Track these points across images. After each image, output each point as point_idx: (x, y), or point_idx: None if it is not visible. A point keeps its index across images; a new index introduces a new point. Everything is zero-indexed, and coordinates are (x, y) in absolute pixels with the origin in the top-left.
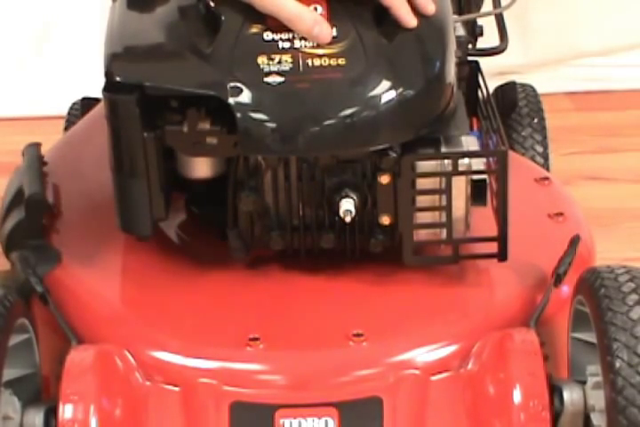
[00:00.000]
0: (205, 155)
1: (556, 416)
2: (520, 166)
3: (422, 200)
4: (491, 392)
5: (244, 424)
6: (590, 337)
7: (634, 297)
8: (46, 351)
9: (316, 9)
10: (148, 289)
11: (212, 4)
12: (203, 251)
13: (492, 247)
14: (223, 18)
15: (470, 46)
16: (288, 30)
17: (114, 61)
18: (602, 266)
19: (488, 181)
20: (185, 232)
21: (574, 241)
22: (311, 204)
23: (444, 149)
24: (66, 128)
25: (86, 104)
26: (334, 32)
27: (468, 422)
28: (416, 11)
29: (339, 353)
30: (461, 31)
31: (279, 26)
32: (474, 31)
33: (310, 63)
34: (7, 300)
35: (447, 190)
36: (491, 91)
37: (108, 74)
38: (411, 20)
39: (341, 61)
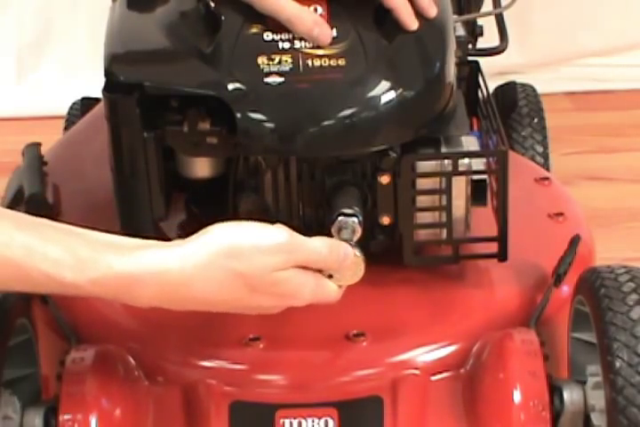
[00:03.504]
0: (205, 155)
1: (556, 416)
2: (520, 166)
3: (422, 200)
4: (491, 392)
5: (244, 424)
6: (590, 337)
7: (634, 297)
8: (46, 351)
9: (315, 10)
10: None
11: (211, 4)
12: None
13: (492, 247)
14: (223, 18)
15: (470, 46)
16: (288, 31)
17: (114, 61)
18: (602, 266)
19: (488, 181)
20: (185, 232)
21: (574, 241)
22: (311, 204)
23: (444, 149)
24: (66, 128)
25: (86, 104)
26: (334, 33)
27: (468, 423)
28: (417, 12)
29: (339, 353)
30: (461, 31)
31: (279, 26)
32: (474, 31)
33: (310, 64)
34: (7, 300)
35: (447, 190)
36: (491, 91)
37: (108, 74)
38: (412, 23)
39: (341, 62)
